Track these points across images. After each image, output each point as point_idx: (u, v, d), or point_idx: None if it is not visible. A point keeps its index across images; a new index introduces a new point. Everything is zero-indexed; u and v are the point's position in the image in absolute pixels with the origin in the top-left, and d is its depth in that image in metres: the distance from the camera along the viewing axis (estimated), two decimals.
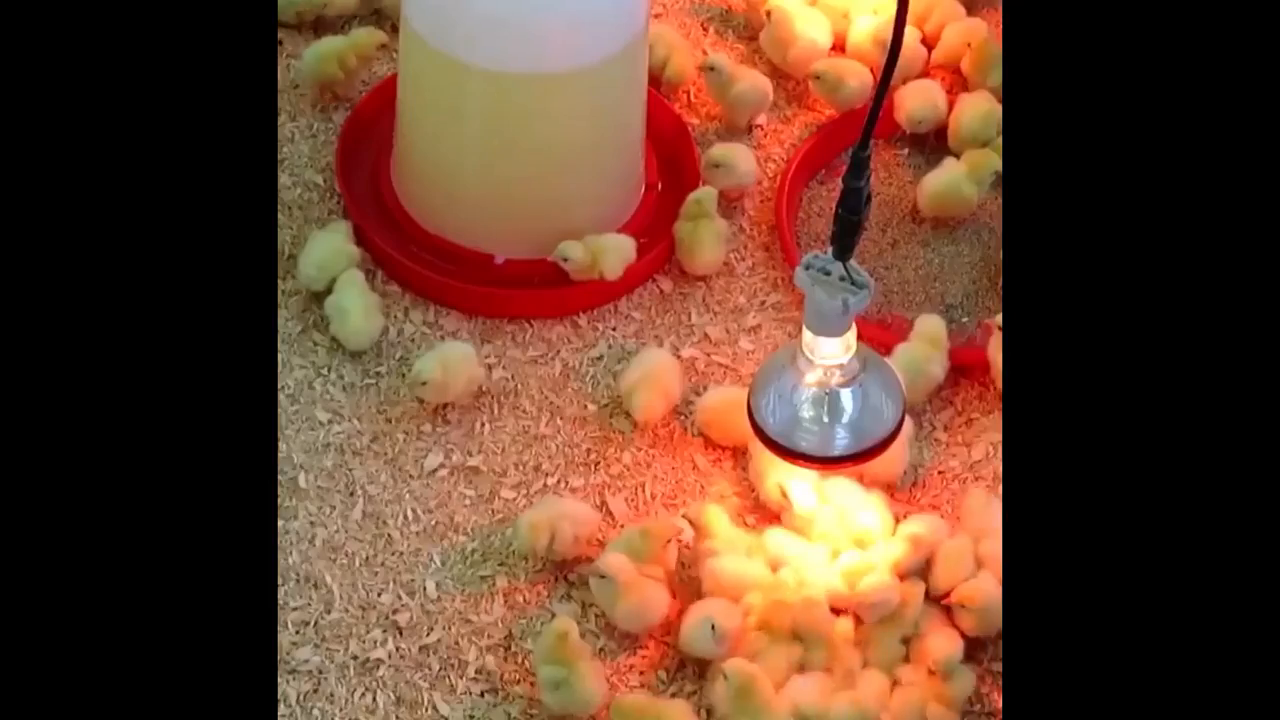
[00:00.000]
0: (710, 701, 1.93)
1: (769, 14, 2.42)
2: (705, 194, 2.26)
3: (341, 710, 1.95)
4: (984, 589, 1.96)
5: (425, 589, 2.03)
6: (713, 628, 1.94)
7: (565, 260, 2.19)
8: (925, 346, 2.13)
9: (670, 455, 2.13)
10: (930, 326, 2.14)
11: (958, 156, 2.34)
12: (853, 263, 1.85)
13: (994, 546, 1.99)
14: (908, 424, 2.02)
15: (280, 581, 2.01)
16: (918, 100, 2.37)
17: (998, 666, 1.99)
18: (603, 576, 1.96)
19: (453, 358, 2.13)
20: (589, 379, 2.19)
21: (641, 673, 1.98)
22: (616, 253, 2.21)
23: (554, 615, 2.00)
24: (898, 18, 1.77)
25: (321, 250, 2.22)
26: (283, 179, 2.33)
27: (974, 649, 1.99)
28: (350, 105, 2.39)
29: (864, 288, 1.85)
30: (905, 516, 2.09)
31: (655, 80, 2.38)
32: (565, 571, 2.04)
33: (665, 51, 2.40)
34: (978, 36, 2.42)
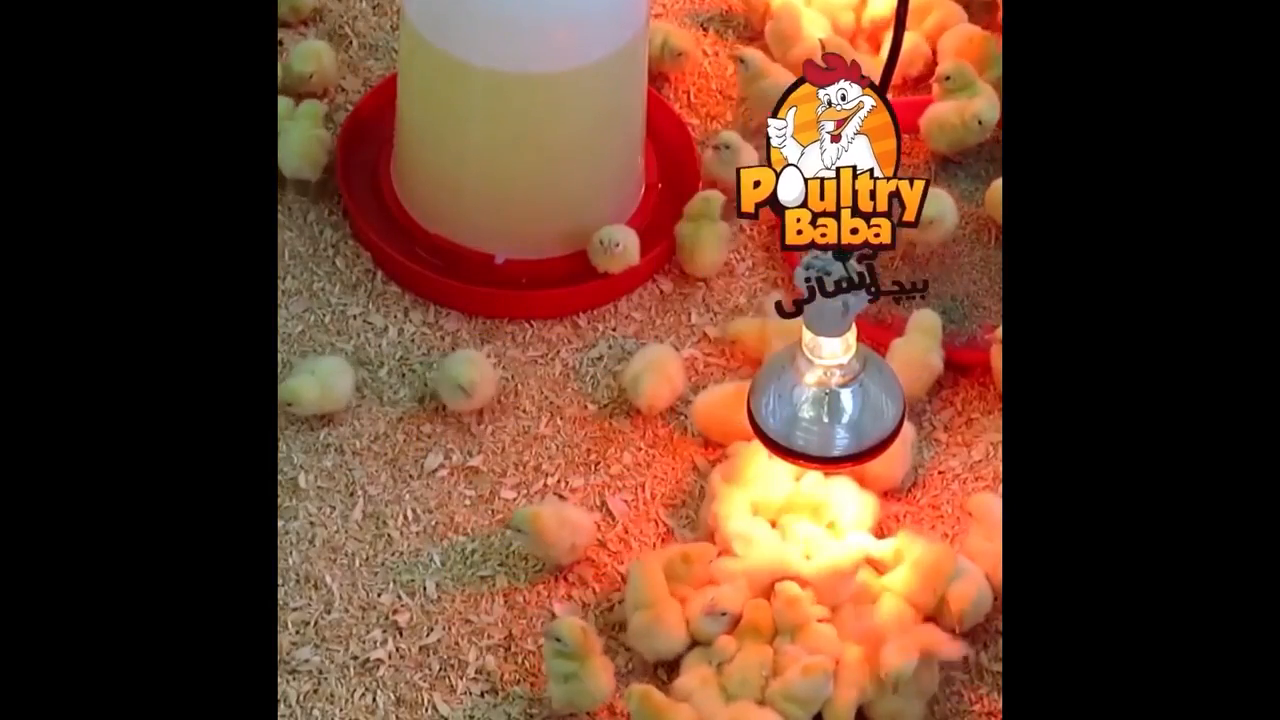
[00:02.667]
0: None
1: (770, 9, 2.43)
2: (713, 195, 2.25)
3: (341, 710, 1.95)
4: (968, 593, 1.97)
5: (425, 589, 2.03)
6: (723, 614, 1.95)
7: (617, 245, 2.19)
8: (922, 339, 2.14)
9: (670, 455, 2.13)
10: (925, 320, 2.14)
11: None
12: (853, 263, 1.85)
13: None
14: (908, 428, 2.02)
15: (280, 581, 2.01)
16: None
17: (998, 666, 1.99)
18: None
19: (482, 367, 2.14)
20: (589, 379, 2.19)
21: (644, 675, 1.98)
22: (635, 240, 2.21)
23: (554, 615, 2.00)
24: (898, 17, 1.77)
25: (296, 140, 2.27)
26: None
27: (974, 648, 2.00)
28: (350, 105, 2.39)
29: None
30: (905, 517, 2.09)
31: (656, 66, 2.38)
32: (565, 571, 2.04)
33: (661, 37, 2.40)
34: (977, 35, 2.42)
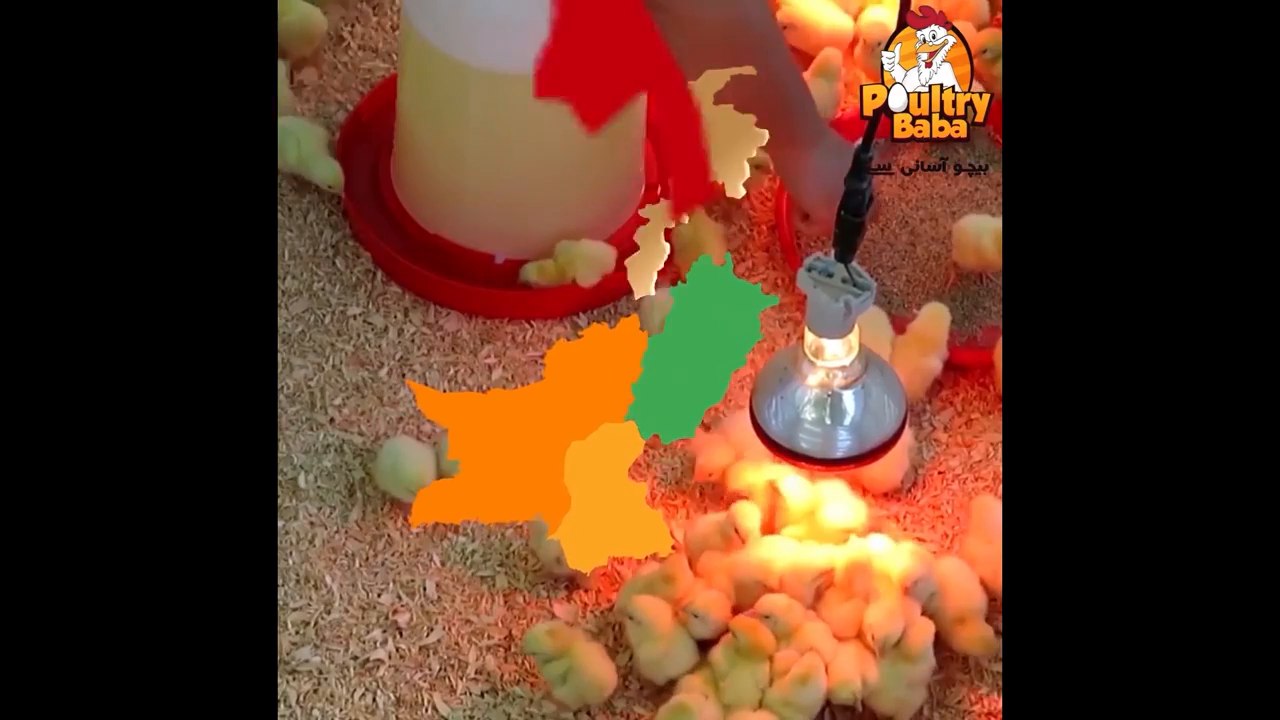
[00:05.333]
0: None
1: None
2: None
3: (341, 710, 1.95)
4: (982, 634, 1.99)
5: (425, 589, 2.03)
6: (695, 615, 1.96)
7: (528, 284, 2.22)
8: (922, 342, 2.14)
9: (670, 456, 2.13)
10: (927, 322, 2.15)
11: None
12: (854, 264, 1.85)
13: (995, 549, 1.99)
14: (907, 433, 2.02)
15: (280, 582, 2.01)
16: None
17: (998, 667, 1.99)
18: (632, 617, 1.96)
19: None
20: None
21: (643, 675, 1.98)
22: (591, 261, 2.21)
23: (554, 616, 2.00)
24: (900, 15, 1.78)
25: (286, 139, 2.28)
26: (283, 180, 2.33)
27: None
28: (350, 105, 2.39)
29: (866, 289, 1.85)
30: (905, 517, 2.09)
31: None
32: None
33: None
34: None
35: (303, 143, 2.28)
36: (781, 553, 2.00)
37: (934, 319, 2.16)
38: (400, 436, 2.10)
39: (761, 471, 2.05)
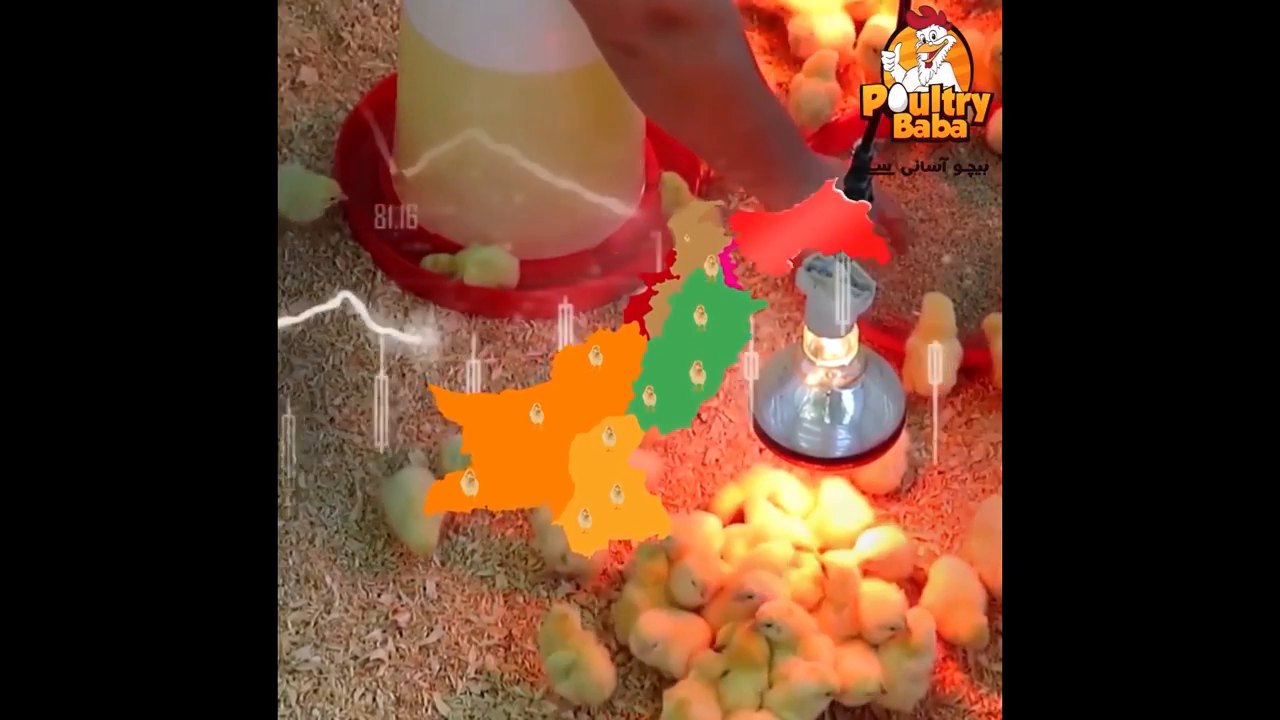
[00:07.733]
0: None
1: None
2: (675, 179, 2.27)
3: (341, 710, 1.95)
4: (976, 621, 1.98)
5: (425, 589, 2.03)
6: (693, 582, 1.96)
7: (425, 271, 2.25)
8: (932, 331, 2.15)
9: (671, 457, 2.13)
10: (930, 312, 2.16)
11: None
12: (854, 264, 1.85)
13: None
14: (904, 436, 2.02)
15: (280, 581, 2.01)
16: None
17: (998, 667, 1.99)
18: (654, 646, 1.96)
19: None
20: None
21: (642, 674, 1.98)
22: (484, 267, 2.23)
23: None
24: (899, 18, 1.78)
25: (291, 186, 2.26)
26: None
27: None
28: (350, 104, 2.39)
29: (866, 289, 1.85)
30: (905, 517, 2.09)
31: None
32: (565, 571, 2.04)
33: None
34: None
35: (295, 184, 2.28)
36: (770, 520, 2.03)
37: (936, 307, 2.16)
38: (412, 472, 2.07)
39: (745, 488, 2.06)
